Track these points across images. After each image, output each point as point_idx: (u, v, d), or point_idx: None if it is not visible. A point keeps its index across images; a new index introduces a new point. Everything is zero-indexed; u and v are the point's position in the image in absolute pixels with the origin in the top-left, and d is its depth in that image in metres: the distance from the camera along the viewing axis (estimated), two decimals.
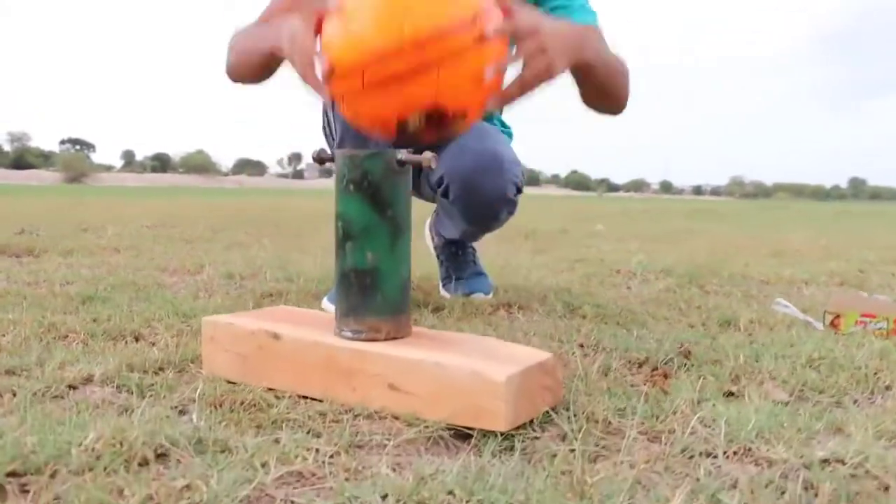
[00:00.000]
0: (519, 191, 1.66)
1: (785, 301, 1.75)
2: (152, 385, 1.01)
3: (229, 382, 1.03)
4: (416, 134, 0.99)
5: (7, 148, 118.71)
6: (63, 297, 1.68)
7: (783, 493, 0.71)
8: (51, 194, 15.02)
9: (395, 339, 0.98)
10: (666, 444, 0.83)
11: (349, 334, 0.97)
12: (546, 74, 1.05)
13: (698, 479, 0.73)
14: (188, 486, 0.67)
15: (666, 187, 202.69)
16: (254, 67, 1.35)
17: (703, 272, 2.55)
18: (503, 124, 1.92)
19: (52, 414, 0.86)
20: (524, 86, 1.05)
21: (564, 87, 1.24)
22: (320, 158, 1.04)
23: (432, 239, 2.09)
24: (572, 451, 0.80)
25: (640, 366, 1.18)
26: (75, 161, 77.71)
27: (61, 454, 0.72)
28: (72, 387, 1.01)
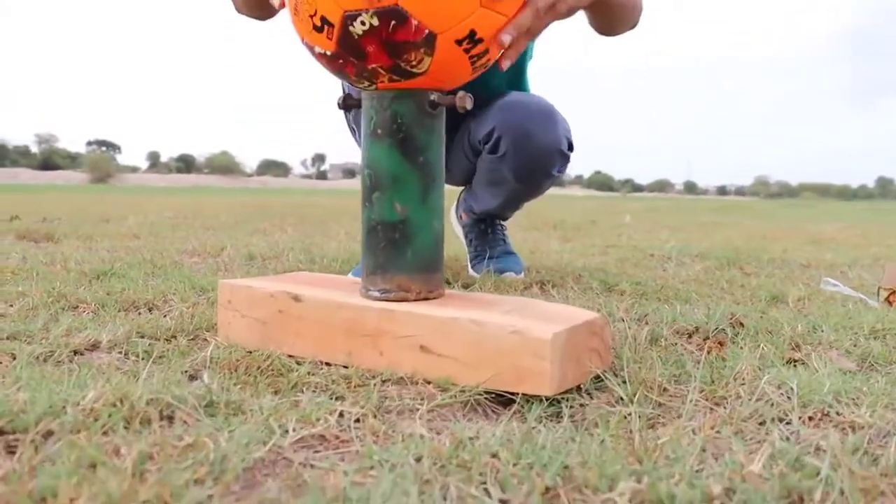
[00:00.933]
0: (570, 147, 1.59)
1: (833, 280, 1.65)
2: (163, 352, 0.94)
3: (247, 352, 0.95)
4: (360, 43, 0.82)
5: (35, 149, 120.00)
6: (76, 273, 1.61)
7: (875, 459, 0.61)
8: (76, 192, 15.08)
9: (426, 299, 0.90)
10: (731, 408, 0.74)
11: (376, 294, 0.89)
12: (553, 13, 0.91)
13: (774, 444, 0.64)
14: (192, 445, 0.58)
15: (690, 188, 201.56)
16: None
17: (741, 256, 2.45)
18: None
19: (50, 376, 0.79)
20: (524, 30, 0.88)
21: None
22: (346, 104, 0.95)
23: (459, 219, 2.00)
24: (627, 416, 0.71)
25: (691, 335, 1.09)
26: (101, 162, 78.45)
27: (56, 412, 0.64)
28: (76, 352, 0.93)
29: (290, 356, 0.91)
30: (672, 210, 10.75)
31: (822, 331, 1.13)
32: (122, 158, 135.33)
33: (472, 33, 0.83)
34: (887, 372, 0.93)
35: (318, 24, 0.82)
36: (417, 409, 0.73)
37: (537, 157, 1.57)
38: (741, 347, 1.00)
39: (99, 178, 64.36)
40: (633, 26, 1.35)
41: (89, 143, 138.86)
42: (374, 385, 0.79)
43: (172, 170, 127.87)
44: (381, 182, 0.88)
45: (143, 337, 1.00)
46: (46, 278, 1.54)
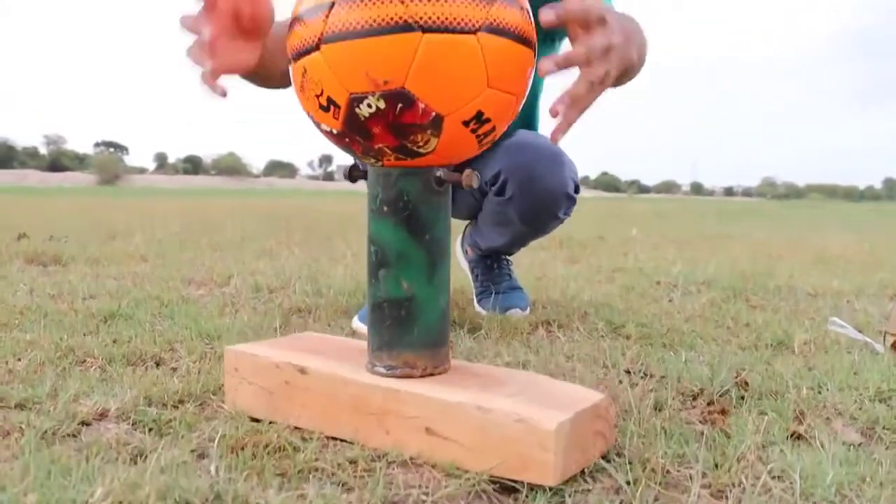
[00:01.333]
0: (577, 190, 1.61)
1: (841, 321, 1.65)
2: (170, 421, 0.94)
3: (253, 420, 0.96)
4: (366, 124, 0.83)
5: (43, 150, 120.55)
6: (84, 314, 1.62)
7: None
8: (84, 195, 15.15)
9: (432, 374, 0.90)
10: (734, 501, 0.75)
11: (382, 370, 0.90)
12: (604, 85, 0.85)
13: None
14: None
15: (696, 189, 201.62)
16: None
17: (747, 284, 2.45)
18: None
19: (59, 459, 0.79)
20: (578, 102, 0.84)
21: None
22: (352, 175, 0.96)
23: (465, 253, 2.01)
24: None
25: (695, 398, 1.09)
26: (109, 163, 78.80)
27: None
28: (85, 423, 0.94)
29: (296, 429, 0.92)
30: (678, 215, 10.75)
31: (828, 390, 1.13)
32: (130, 159, 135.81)
33: (480, 114, 0.83)
34: (891, 442, 0.94)
35: (325, 103, 0.82)
36: (424, 502, 0.74)
37: (543, 201, 1.57)
38: (746, 415, 1.00)
39: (107, 181, 64.63)
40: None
41: (97, 145, 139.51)
42: (381, 469, 0.80)
43: (179, 171, 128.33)
44: (387, 259, 0.89)
45: (150, 404, 1.00)
46: (55, 320, 1.55)
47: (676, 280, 2.49)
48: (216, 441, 0.87)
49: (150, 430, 0.92)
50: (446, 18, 0.77)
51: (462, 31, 0.78)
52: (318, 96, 0.82)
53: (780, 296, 2.28)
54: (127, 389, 1.05)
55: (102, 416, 0.96)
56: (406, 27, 0.76)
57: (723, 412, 1.00)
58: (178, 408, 1.01)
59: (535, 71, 0.84)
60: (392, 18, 0.76)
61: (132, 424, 0.94)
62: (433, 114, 0.80)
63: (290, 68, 0.86)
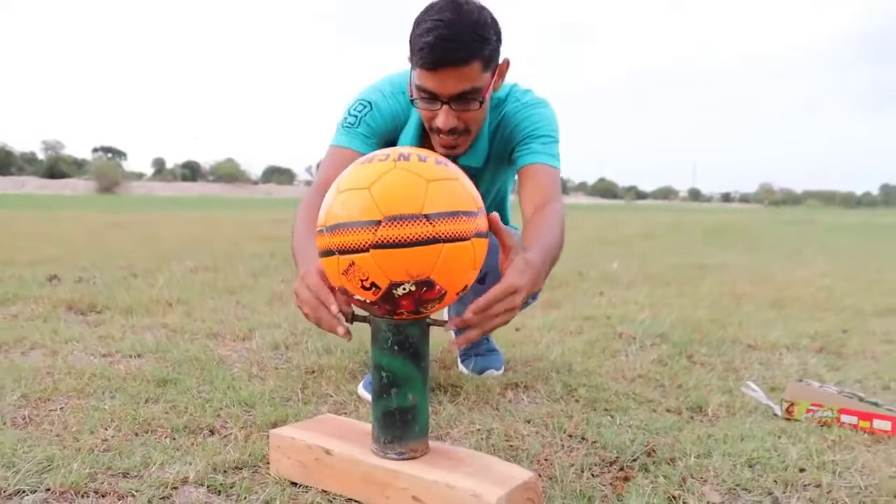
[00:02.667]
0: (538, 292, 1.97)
1: (754, 385, 2.05)
2: (233, 485, 1.34)
3: (292, 484, 1.35)
4: (399, 299, 1.19)
5: (41, 156, 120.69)
6: (140, 380, 2.01)
7: None
8: (86, 207, 15.53)
9: (423, 454, 1.30)
10: None
11: (394, 456, 1.29)
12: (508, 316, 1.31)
13: None
14: None
15: (694, 195, 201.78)
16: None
17: (697, 336, 2.85)
18: (513, 227, 2.25)
19: None
20: (482, 322, 1.27)
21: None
22: (354, 317, 1.35)
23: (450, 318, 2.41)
24: None
25: (611, 464, 1.49)
26: (108, 170, 78.82)
27: None
28: (174, 488, 1.33)
29: (324, 492, 1.31)
30: (667, 235, 11.14)
31: (713, 456, 1.53)
32: (128, 165, 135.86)
33: (465, 287, 1.24)
34: (747, 500, 1.33)
35: (367, 286, 1.20)
36: None
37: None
38: (642, 480, 1.40)
39: (106, 188, 64.73)
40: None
41: (95, 150, 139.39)
42: None
43: (178, 177, 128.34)
44: (398, 382, 1.28)
45: (216, 471, 1.40)
46: (118, 387, 1.94)
47: (637, 332, 2.89)
48: (269, 502, 1.27)
49: (220, 493, 1.32)
50: (456, 232, 1.17)
51: (464, 239, 1.19)
52: (362, 280, 1.20)
53: (722, 349, 2.68)
54: (197, 459, 1.44)
55: (184, 481, 1.36)
56: (434, 240, 1.16)
57: (625, 478, 1.40)
58: (237, 473, 1.40)
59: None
60: (425, 235, 1.15)
61: (207, 488, 1.34)
62: (444, 291, 1.21)
63: (332, 259, 1.21)
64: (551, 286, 4.38)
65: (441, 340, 2.54)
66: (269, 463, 1.43)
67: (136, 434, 1.60)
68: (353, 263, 1.18)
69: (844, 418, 1.79)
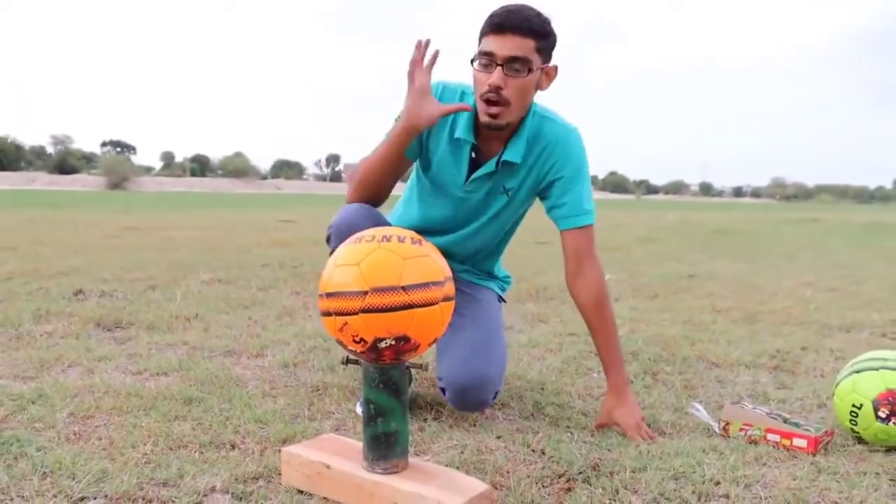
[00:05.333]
0: (497, 395, 2.22)
1: (699, 406, 2.35)
2: (252, 493, 1.67)
3: (299, 492, 1.67)
4: (382, 350, 1.51)
5: (50, 150, 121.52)
6: (169, 398, 2.34)
7: None
8: (99, 206, 15.92)
9: (404, 469, 1.62)
10: None
11: (380, 471, 1.61)
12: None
13: None
14: None
15: (705, 189, 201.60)
16: (383, 156, 2.12)
17: (664, 356, 3.17)
18: (505, 277, 2.58)
19: None
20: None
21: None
22: (348, 361, 1.68)
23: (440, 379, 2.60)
24: None
25: (560, 476, 1.80)
26: (117, 165, 79.45)
27: None
28: (205, 495, 1.66)
29: (325, 498, 1.64)
30: (667, 238, 11.42)
31: (648, 470, 1.84)
32: (137, 159, 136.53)
33: (436, 339, 1.58)
34: None
35: (357, 339, 1.53)
36: None
37: (469, 408, 2.23)
38: (580, 492, 1.72)
39: (115, 184, 65.21)
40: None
41: (104, 144, 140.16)
42: None
43: (187, 171, 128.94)
44: (382, 412, 1.61)
45: (237, 481, 1.72)
46: (151, 405, 2.27)
47: None
48: None
49: (241, 499, 1.64)
50: (427, 299, 1.51)
51: (434, 304, 1.52)
52: (353, 336, 1.53)
53: (685, 367, 3.00)
54: (222, 471, 1.77)
55: (213, 490, 1.68)
56: (409, 306, 1.49)
57: (568, 489, 1.71)
58: (255, 483, 1.73)
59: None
60: (403, 302, 1.48)
61: (231, 495, 1.66)
62: (418, 344, 1.54)
63: (330, 318, 1.54)
64: (541, 299, 4.71)
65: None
66: (280, 474, 1.75)
67: (171, 449, 1.92)
68: (347, 323, 1.50)
69: (770, 436, 2.10)
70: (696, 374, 2.90)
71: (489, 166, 2.16)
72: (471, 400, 2.17)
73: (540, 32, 1.99)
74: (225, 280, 5.17)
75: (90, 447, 1.92)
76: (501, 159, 2.14)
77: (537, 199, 2.28)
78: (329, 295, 1.53)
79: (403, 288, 1.47)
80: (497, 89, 1.98)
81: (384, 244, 1.53)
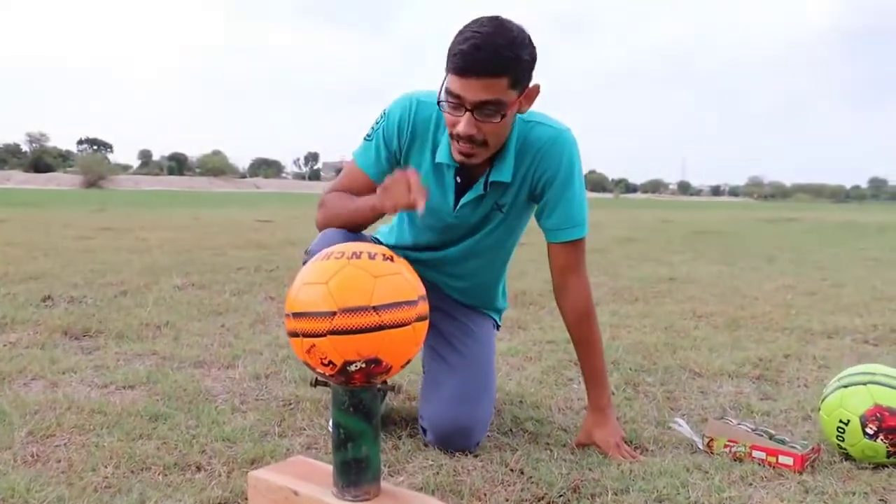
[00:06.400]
0: (480, 442, 2.09)
1: (681, 421, 2.29)
2: None
3: None
4: (352, 374, 1.40)
5: (26, 148, 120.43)
6: (135, 415, 2.24)
7: None
8: (74, 205, 15.67)
9: (375, 496, 1.54)
10: None
11: (350, 498, 1.53)
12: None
13: None
14: None
15: (683, 188, 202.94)
16: (349, 220, 1.98)
17: (645, 365, 3.11)
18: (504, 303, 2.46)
19: None
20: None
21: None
22: (317, 382, 1.60)
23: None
24: None
25: (540, 500, 1.74)
26: (93, 163, 78.81)
27: None
28: None
29: None
30: (650, 236, 11.39)
31: (630, 492, 1.78)
32: (114, 157, 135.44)
33: (408, 361, 1.49)
34: None
35: (325, 362, 1.43)
36: None
37: (452, 449, 2.06)
38: None
39: (91, 182, 64.66)
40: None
41: (80, 142, 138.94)
42: None
43: (164, 169, 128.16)
44: (352, 437, 1.52)
45: None
46: (115, 421, 2.18)
47: None
48: None
49: None
50: (400, 319, 1.42)
51: (406, 325, 1.43)
52: (321, 358, 1.43)
53: (667, 377, 2.94)
54: (187, 496, 1.69)
55: None
56: (381, 327, 1.40)
57: None
58: None
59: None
60: (373, 323, 1.39)
61: None
62: (390, 366, 1.45)
63: (297, 339, 1.46)
64: (520, 304, 4.64)
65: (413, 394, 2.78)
66: (247, 499, 1.67)
67: (133, 472, 1.84)
68: (314, 345, 1.41)
69: (755, 454, 2.04)
70: (678, 384, 2.84)
71: (477, 189, 1.99)
72: (453, 446, 2.05)
73: (512, 65, 1.73)
74: (198, 284, 5.07)
75: (48, 470, 1.83)
76: (489, 180, 1.98)
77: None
78: (296, 315, 1.44)
79: (374, 308, 1.39)
80: (468, 139, 1.81)
81: (354, 261, 1.44)
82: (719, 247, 10.59)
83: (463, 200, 2.02)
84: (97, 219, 13.49)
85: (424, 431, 2.09)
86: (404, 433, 2.20)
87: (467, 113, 1.76)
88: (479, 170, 1.98)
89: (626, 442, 2.10)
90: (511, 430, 2.26)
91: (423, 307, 1.49)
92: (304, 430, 2.20)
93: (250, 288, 5.00)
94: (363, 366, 1.41)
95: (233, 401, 2.46)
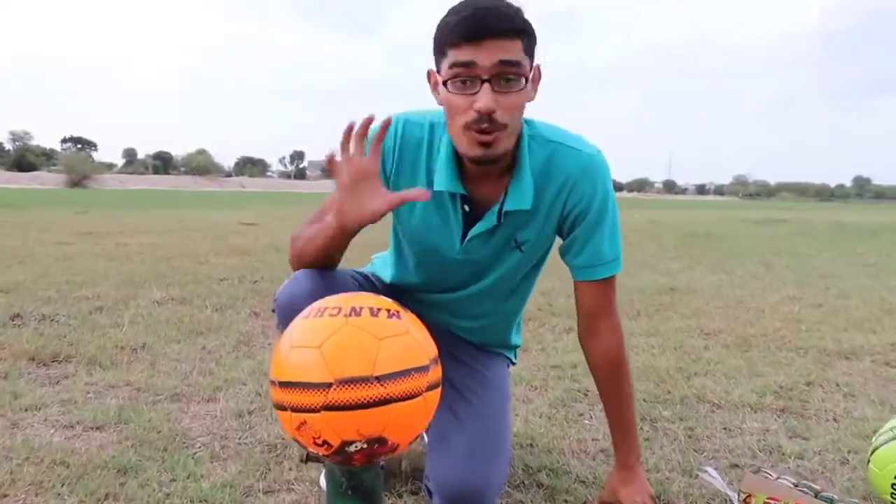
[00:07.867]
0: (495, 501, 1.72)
1: (713, 471, 2.06)
2: None
3: None
4: (350, 454, 1.17)
5: (9, 147, 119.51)
6: (101, 469, 2.00)
7: None
8: (56, 205, 15.30)
9: None
10: None
11: None
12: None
13: None
14: None
15: (669, 187, 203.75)
16: (319, 247, 1.60)
17: (660, 395, 2.88)
18: (519, 325, 2.11)
19: None
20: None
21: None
22: (308, 458, 1.35)
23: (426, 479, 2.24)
24: None
25: None
26: (77, 162, 78.26)
27: None
28: None
29: None
30: (642, 239, 11.18)
31: None
32: (98, 155, 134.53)
33: (419, 436, 1.25)
34: None
35: (320, 442, 1.18)
36: None
37: None
38: None
39: (75, 182, 64.15)
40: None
41: (64, 140, 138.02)
42: None
43: (149, 168, 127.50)
44: None
45: None
46: (79, 474, 1.94)
47: (595, 399, 2.89)
48: None
49: None
50: (408, 391, 1.17)
51: (417, 396, 1.18)
52: (314, 437, 1.18)
53: (685, 410, 2.71)
54: None
55: None
56: (386, 401, 1.15)
57: None
58: None
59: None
60: (377, 396, 1.14)
61: None
62: (396, 445, 1.20)
63: (285, 413, 1.21)
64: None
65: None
66: None
67: None
68: (305, 422, 1.17)
69: None
70: (699, 420, 2.61)
71: (489, 220, 1.67)
72: None
73: (524, 28, 1.47)
74: (178, 299, 4.81)
75: None
76: (504, 210, 1.65)
77: None
78: (283, 385, 1.19)
79: (378, 378, 1.14)
80: (490, 114, 1.47)
81: (352, 319, 1.19)
82: (714, 252, 10.38)
83: (472, 233, 1.69)
84: (78, 222, 13.16)
85: (430, 493, 1.81)
86: (405, 489, 1.96)
87: (485, 84, 1.46)
88: (489, 195, 1.67)
89: (653, 500, 1.86)
90: (524, 482, 2.02)
91: (436, 372, 1.25)
92: (293, 484, 1.96)
93: (233, 303, 4.74)
94: (364, 446, 1.17)
95: (213, 445, 2.21)
